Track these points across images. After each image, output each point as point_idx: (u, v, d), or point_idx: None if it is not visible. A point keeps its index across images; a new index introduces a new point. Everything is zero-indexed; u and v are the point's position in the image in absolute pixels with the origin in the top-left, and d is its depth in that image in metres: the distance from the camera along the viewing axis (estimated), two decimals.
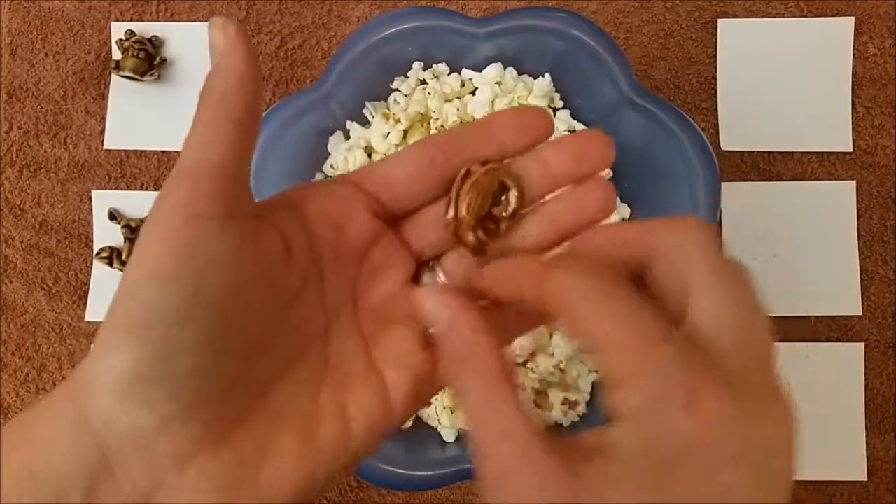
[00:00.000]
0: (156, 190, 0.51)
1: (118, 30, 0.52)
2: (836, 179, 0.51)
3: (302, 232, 0.24)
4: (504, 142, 0.25)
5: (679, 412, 0.19)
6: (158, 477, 0.20)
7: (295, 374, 0.23)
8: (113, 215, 0.51)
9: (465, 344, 0.22)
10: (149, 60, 0.51)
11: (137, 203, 0.51)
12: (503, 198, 0.25)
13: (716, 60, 0.51)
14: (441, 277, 0.26)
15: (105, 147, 0.52)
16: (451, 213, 0.25)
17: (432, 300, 0.23)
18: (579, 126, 0.45)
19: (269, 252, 0.22)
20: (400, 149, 0.44)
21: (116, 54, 0.52)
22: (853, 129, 0.51)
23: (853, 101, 0.51)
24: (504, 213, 0.25)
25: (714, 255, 0.21)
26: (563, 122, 0.45)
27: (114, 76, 0.52)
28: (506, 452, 0.20)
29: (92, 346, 0.20)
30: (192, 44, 0.52)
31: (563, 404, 0.43)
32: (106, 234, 0.51)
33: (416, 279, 0.26)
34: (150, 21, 0.52)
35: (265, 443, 0.22)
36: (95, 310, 0.51)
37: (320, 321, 0.24)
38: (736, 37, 0.51)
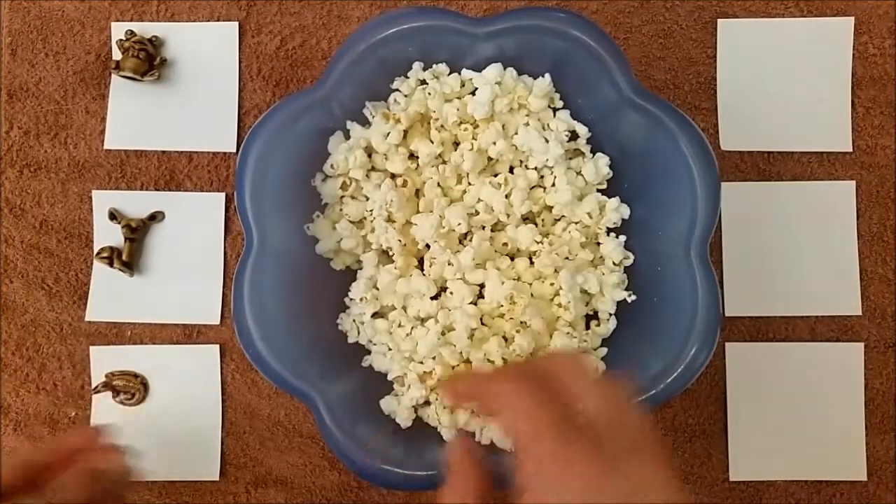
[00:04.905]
0: (156, 190, 0.51)
1: (118, 30, 0.52)
2: (835, 179, 0.51)
3: None
4: None
5: (554, 478, 0.24)
6: None
7: None
8: (113, 215, 0.51)
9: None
10: (149, 60, 0.51)
11: (137, 203, 0.51)
12: None
13: (716, 60, 0.51)
14: None
15: (105, 147, 0.52)
16: None
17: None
18: (579, 126, 0.45)
19: None
20: (400, 149, 0.45)
21: (117, 54, 0.52)
22: (853, 129, 0.51)
23: (853, 101, 0.51)
24: None
25: (592, 376, 0.30)
26: (563, 122, 0.45)
27: (114, 76, 0.52)
28: None
29: None
30: (192, 44, 0.52)
31: None
32: (106, 234, 0.51)
33: None
34: (150, 21, 0.52)
35: None
36: (95, 310, 0.51)
37: None
38: (736, 37, 0.52)
